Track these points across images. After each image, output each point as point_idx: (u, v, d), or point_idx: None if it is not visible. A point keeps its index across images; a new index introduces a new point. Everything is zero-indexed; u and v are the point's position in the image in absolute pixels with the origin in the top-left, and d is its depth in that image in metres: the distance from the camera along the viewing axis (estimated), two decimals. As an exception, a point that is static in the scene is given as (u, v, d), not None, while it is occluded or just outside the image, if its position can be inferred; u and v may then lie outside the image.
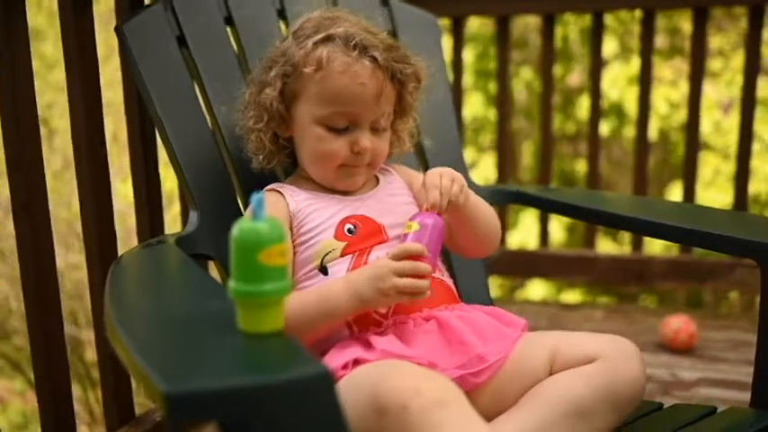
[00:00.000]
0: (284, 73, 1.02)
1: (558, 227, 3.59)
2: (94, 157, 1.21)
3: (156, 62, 1.12)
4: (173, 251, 0.95)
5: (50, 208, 1.13)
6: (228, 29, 1.22)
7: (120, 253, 1.22)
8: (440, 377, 0.81)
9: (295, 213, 1.03)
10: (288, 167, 1.15)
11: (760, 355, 0.97)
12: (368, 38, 1.00)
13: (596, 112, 2.32)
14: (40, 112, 1.11)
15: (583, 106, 3.69)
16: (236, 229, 0.65)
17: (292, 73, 1.01)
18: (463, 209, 1.02)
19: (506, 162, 2.46)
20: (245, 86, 1.10)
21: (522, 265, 2.44)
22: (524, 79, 4.03)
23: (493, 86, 3.54)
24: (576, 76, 4.06)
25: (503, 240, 2.45)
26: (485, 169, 3.66)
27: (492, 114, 3.59)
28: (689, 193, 2.24)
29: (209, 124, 1.16)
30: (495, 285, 3.14)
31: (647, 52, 2.22)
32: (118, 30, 1.11)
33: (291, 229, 1.02)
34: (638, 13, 2.31)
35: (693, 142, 2.24)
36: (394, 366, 0.83)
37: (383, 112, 1.02)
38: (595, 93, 2.32)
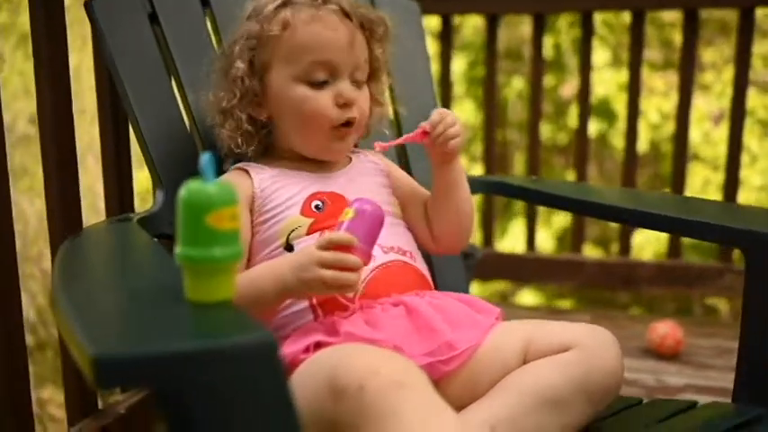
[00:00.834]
0: (249, 47, 0.99)
1: (547, 235, 3.56)
2: (62, 153, 1.15)
3: (125, 39, 1.08)
4: (134, 229, 0.91)
5: (39, 209, 1.07)
6: (204, 9, 1.19)
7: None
8: (401, 359, 0.77)
9: (258, 192, 0.99)
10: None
11: (742, 349, 0.93)
12: None
13: (585, 113, 2.30)
14: (32, 113, 1.05)
15: (574, 114, 3.68)
16: (184, 189, 0.61)
17: (257, 45, 0.98)
18: (453, 166, 1.01)
19: (493, 157, 2.43)
20: (212, 78, 1.05)
21: (509, 270, 2.40)
22: (516, 89, 4.02)
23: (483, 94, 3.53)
24: (568, 87, 4.05)
25: (490, 243, 2.42)
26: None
27: (483, 122, 3.57)
28: (678, 199, 2.21)
29: (179, 103, 1.12)
30: (483, 291, 3.09)
31: (636, 57, 2.20)
32: (87, 5, 1.07)
33: (253, 209, 0.98)
34: (628, 18, 2.30)
35: (682, 153, 2.21)
36: (354, 348, 0.79)
37: (358, 60, 0.99)
38: (584, 96, 2.29)
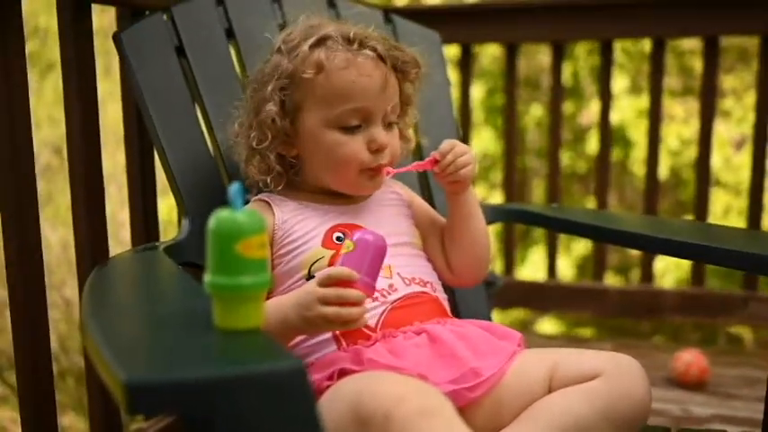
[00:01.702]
0: (281, 87, 0.98)
1: (567, 263, 3.53)
2: (90, 180, 1.17)
3: (153, 71, 1.11)
4: (160, 257, 0.92)
5: (63, 236, 1.10)
6: (229, 41, 1.21)
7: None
8: (426, 386, 0.76)
9: (280, 224, 0.99)
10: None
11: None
12: (362, 32, 0.98)
13: (606, 140, 2.30)
14: (56, 142, 1.07)
15: (593, 141, 3.67)
16: (213, 219, 0.62)
17: (290, 84, 0.98)
18: (466, 198, 1.01)
19: (513, 184, 2.43)
20: (237, 112, 1.05)
21: (530, 298, 2.39)
22: (535, 117, 4.03)
23: (502, 122, 3.54)
24: (587, 115, 4.06)
25: (510, 271, 2.41)
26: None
27: (502, 150, 3.58)
28: (700, 226, 2.19)
29: (205, 134, 1.14)
30: (503, 319, 3.07)
31: (656, 85, 2.21)
32: (116, 38, 1.10)
33: (273, 241, 0.99)
34: (648, 47, 2.30)
35: (704, 179, 2.20)
36: (379, 376, 0.79)
37: (391, 103, 0.99)
38: (605, 123, 2.29)
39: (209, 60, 1.17)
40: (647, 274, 2.28)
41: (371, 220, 1.02)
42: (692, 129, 3.49)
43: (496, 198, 3.72)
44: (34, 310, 1.07)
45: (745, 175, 2.39)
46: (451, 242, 1.06)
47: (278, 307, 0.85)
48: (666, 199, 3.77)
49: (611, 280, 3.26)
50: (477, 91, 3.80)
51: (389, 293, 0.95)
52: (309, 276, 0.96)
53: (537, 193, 4.25)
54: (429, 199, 1.27)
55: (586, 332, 3.39)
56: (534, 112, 4.02)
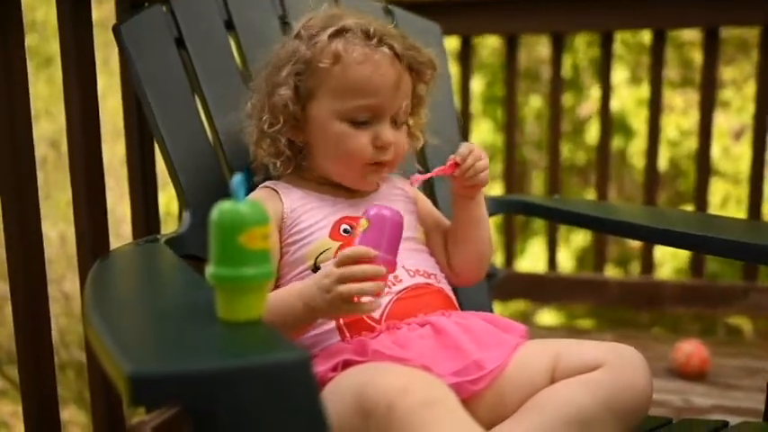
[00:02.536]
0: (297, 72, 0.98)
1: (566, 255, 3.53)
2: (90, 174, 1.17)
3: (153, 63, 1.10)
4: (161, 249, 0.92)
5: (62, 231, 1.10)
6: (229, 33, 1.21)
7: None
8: (429, 377, 0.77)
9: (288, 213, 0.99)
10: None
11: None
12: (382, 28, 0.98)
13: (606, 132, 2.30)
14: (53, 136, 1.07)
15: (592, 133, 3.67)
16: (216, 210, 0.61)
17: (305, 70, 0.98)
18: (476, 201, 1.01)
19: (513, 176, 2.42)
20: (250, 94, 1.06)
21: (530, 290, 2.39)
22: (534, 108, 4.02)
23: (502, 114, 3.53)
24: (586, 107, 4.05)
25: (510, 263, 2.41)
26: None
27: (501, 142, 3.57)
28: (700, 217, 2.19)
29: (206, 126, 1.14)
30: (503, 311, 3.07)
31: (657, 76, 2.20)
32: (115, 30, 1.09)
33: (282, 230, 0.99)
34: (647, 39, 2.30)
35: (704, 170, 2.20)
36: (382, 367, 0.79)
37: (402, 103, 0.99)
38: (605, 115, 2.29)
39: (208, 52, 1.16)
40: (648, 266, 2.29)
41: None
42: (690, 119, 3.49)
43: (496, 190, 3.71)
44: (36, 304, 1.07)
45: (743, 164, 2.39)
46: (455, 244, 1.06)
47: (303, 290, 0.85)
48: (665, 190, 3.77)
49: (611, 272, 3.27)
50: (476, 83, 3.79)
51: (394, 284, 0.95)
52: (315, 267, 0.96)
53: (536, 185, 4.25)
54: (432, 196, 1.27)
55: (586, 323, 3.39)
56: (533, 104, 4.02)
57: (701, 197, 2.20)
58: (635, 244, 3.10)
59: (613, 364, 0.85)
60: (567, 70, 3.45)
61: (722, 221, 1.22)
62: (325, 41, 0.96)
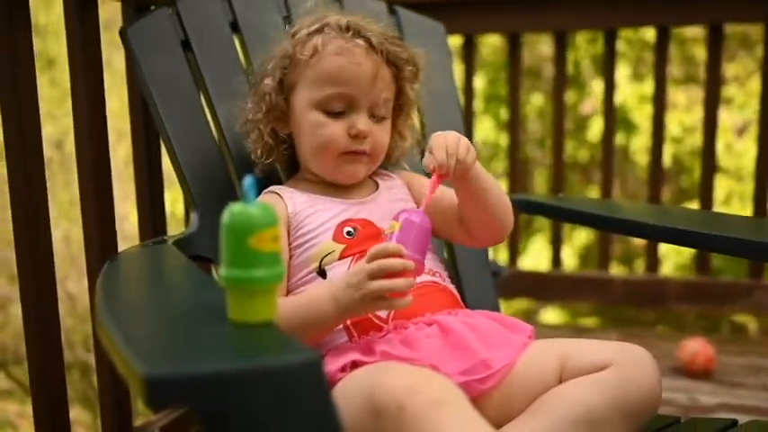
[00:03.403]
0: (281, 66, 1.02)
1: (571, 252, 3.54)
2: (98, 175, 1.17)
3: (159, 65, 1.11)
4: (170, 251, 0.92)
5: (65, 230, 1.10)
6: (234, 35, 1.21)
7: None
8: (438, 377, 0.77)
9: (293, 216, 1.00)
10: (289, 173, 1.13)
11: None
12: (361, 23, 1.01)
13: (610, 130, 2.30)
14: (57, 137, 1.08)
15: (595, 130, 3.66)
16: (227, 212, 0.62)
17: (289, 64, 1.02)
18: (472, 176, 0.96)
19: (517, 173, 2.42)
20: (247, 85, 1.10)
21: (534, 288, 2.39)
22: (536, 106, 4.02)
23: (504, 112, 3.53)
24: (589, 104, 4.05)
25: (514, 261, 2.41)
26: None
27: (503, 140, 3.57)
28: (704, 214, 2.19)
29: (212, 127, 1.14)
30: (506, 309, 3.08)
31: (661, 74, 2.20)
32: (122, 32, 1.10)
33: (288, 233, 1.00)
34: (650, 36, 2.29)
35: (709, 167, 2.20)
36: (392, 367, 0.79)
37: (380, 96, 1.01)
38: (609, 113, 2.29)
39: (214, 53, 1.17)
40: (652, 264, 2.29)
41: (379, 214, 1.02)
42: (694, 116, 3.48)
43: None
44: (45, 304, 1.08)
45: (746, 160, 2.39)
46: (469, 219, 1.02)
47: (331, 294, 0.86)
48: (669, 187, 3.77)
49: (615, 270, 3.27)
50: (478, 81, 3.80)
51: None
52: (320, 270, 0.96)
53: (539, 183, 4.25)
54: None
55: (590, 322, 3.40)
56: (535, 102, 4.02)
57: (705, 194, 2.20)
58: (639, 241, 3.10)
59: (622, 364, 0.85)
60: (568, 67, 3.45)
61: (727, 219, 1.22)
62: (305, 37, 1.01)
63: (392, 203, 1.06)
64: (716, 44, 2.13)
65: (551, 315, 3.50)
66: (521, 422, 0.86)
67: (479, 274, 1.27)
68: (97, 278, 0.98)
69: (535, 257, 3.45)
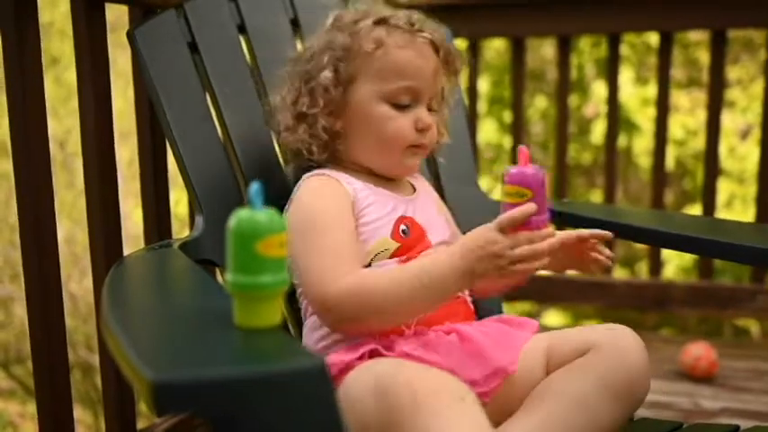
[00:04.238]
0: (336, 57, 0.99)
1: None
2: (104, 176, 1.18)
3: (166, 67, 1.11)
4: (175, 254, 0.92)
5: (68, 230, 1.11)
6: (241, 37, 1.21)
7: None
8: (454, 380, 0.78)
9: (356, 201, 0.98)
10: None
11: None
12: (420, 18, 1.00)
13: (613, 135, 2.30)
14: (60, 136, 1.08)
15: (598, 133, 3.66)
16: (234, 218, 0.62)
17: (345, 56, 0.99)
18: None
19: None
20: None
21: (537, 291, 2.39)
22: (539, 109, 4.02)
23: (507, 115, 3.53)
24: (592, 107, 4.05)
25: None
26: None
27: (507, 143, 3.57)
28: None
29: (219, 131, 1.15)
30: (508, 311, 3.07)
31: (664, 79, 2.20)
32: (129, 35, 1.10)
33: (354, 215, 0.97)
34: (653, 40, 2.29)
35: (712, 170, 2.20)
36: (409, 365, 0.80)
37: (438, 90, 1.01)
38: (612, 117, 2.29)
39: (222, 56, 1.17)
40: (655, 267, 2.29)
41: (424, 216, 1.02)
42: (697, 119, 3.48)
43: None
44: (49, 304, 1.08)
45: (749, 163, 2.39)
46: None
47: (458, 261, 0.83)
48: (672, 189, 3.77)
49: (618, 273, 3.27)
50: (481, 83, 3.80)
51: None
52: (368, 265, 0.95)
53: (542, 186, 4.24)
54: (439, 190, 1.27)
55: (592, 324, 3.40)
56: (539, 105, 4.02)
57: (708, 196, 2.20)
58: (641, 245, 3.10)
59: (603, 344, 0.88)
60: (571, 71, 3.45)
61: (729, 225, 1.22)
62: (368, 28, 0.98)
63: (431, 206, 1.07)
64: (719, 48, 2.14)
65: (554, 317, 3.50)
66: (516, 420, 0.88)
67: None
68: (102, 280, 0.99)
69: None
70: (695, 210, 3.17)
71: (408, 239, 0.97)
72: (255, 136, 1.16)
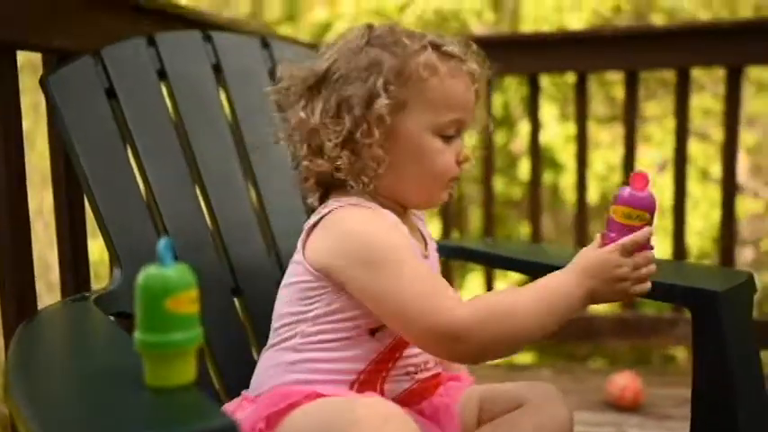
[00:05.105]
0: (385, 81, 0.89)
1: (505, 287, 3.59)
2: (16, 225, 1.13)
3: (82, 114, 1.08)
4: (89, 310, 0.89)
5: None
6: (162, 83, 1.20)
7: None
8: (387, 401, 0.80)
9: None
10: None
11: (696, 402, 0.96)
12: (467, 44, 0.95)
13: (537, 169, 2.38)
14: None
15: (525, 168, 3.78)
16: (141, 275, 0.61)
17: (395, 81, 0.89)
18: None
19: (450, 218, 2.47)
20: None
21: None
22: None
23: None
24: (518, 143, 4.17)
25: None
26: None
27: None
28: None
29: (138, 178, 1.12)
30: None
31: (581, 115, 2.31)
32: (42, 82, 1.08)
33: None
34: (571, 79, 2.39)
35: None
36: (361, 398, 0.81)
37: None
38: (535, 152, 2.37)
39: (141, 103, 1.15)
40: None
41: (434, 257, 1.03)
42: (617, 154, 3.64)
43: (435, 226, 3.76)
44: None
45: (666, 196, 2.48)
46: None
47: (582, 281, 0.84)
48: (596, 222, 3.89)
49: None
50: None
51: (421, 370, 0.95)
52: None
53: (473, 220, 4.33)
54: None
55: (526, 358, 3.44)
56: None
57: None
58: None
59: (532, 401, 0.91)
60: (498, 109, 3.55)
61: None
62: (420, 52, 0.90)
63: (420, 230, 1.02)
64: (632, 87, 2.26)
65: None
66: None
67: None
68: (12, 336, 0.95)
69: (472, 294, 3.49)
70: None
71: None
72: (178, 190, 1.15)
